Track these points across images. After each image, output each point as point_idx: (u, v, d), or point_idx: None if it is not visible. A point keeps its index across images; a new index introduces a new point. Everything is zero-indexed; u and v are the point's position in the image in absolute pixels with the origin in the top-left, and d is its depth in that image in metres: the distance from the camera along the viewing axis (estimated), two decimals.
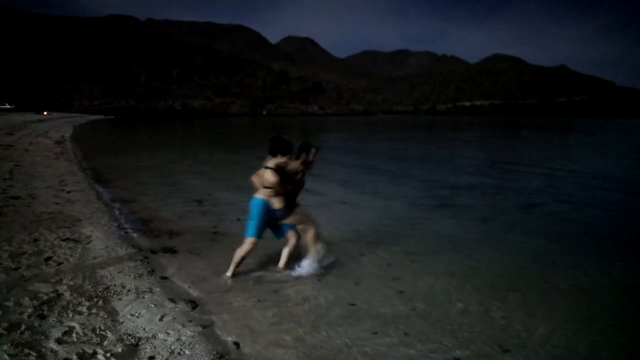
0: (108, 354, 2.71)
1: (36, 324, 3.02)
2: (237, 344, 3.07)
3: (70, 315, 3.19)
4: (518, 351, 3.12)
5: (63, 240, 5.00)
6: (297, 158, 4.37)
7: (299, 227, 4.60)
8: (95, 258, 4.50)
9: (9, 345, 2.71)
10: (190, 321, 3.28)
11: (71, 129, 33.79)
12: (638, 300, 4.20)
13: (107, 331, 2.99)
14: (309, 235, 4.54)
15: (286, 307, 3.74)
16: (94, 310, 3.29)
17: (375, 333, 3.37)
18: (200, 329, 3.18)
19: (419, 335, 3.33)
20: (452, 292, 4.13)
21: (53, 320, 3.08)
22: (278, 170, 4.17)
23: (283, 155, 4.31)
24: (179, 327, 3.15)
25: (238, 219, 6.85)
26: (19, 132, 23.63)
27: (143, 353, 2.76)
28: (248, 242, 4.38)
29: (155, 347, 2.83)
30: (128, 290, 3.72)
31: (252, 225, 4.36)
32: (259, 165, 4.32)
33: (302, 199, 4.56)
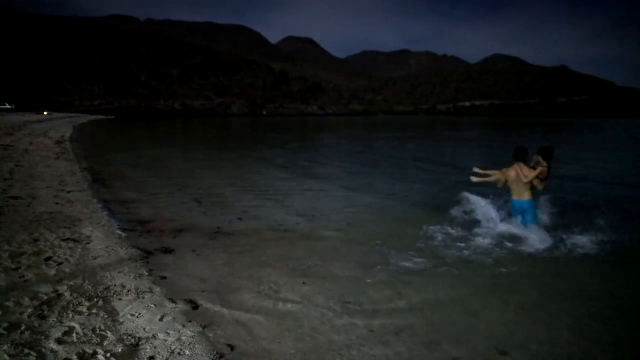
0: (108, 354, 2.71)
1: (36, 324, 3.02)
2: (237, 344, 3.08)
3: (70, 315, 3.19)
4: (516, 353, 3.13)
5: (63, 240, 5.01)
6: (525, 162, 6.06)
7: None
8: (95, 258, 4.50)
9: (9, 345, 2.71)
10: (190, 321, 3.29)
11: (71, 129, 33.79)
12: (638, 303, 4.20)
13: (107, 331, 2.99)
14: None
15: (285, 306, 3.75)
16: (94, 310, 3.29)
17: (372, 331, 3.38)
18: (200, 329, 3.18)
19: (417, 335, 3.33)
20: (451, 293, 4.14)
21: (53, 320, 3.08)
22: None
23: (524, 160, 6.04)
24: (179, 327, 3.16)
25: (240, 219, 6.85)
26: (19, 132, 23.62)
27: (143, 353, 2.77)
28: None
29: (155, 347, 2.84)
30: (128, 290, 3.72)
31: (535, 221, 6.02)
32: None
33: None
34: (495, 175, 6.29)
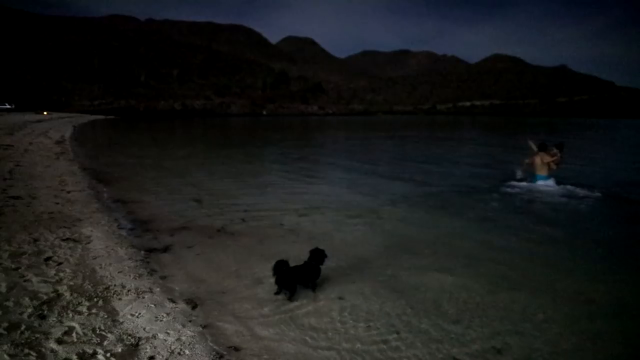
0: (108, 354, 2.72)
1: (36, 324, 3.02)
2: (237, 344, 3.08)
3: (70, 315, 3.19)
4: (512, 352, 3.13)
5: (63, 240, 5.01)
6: (546, 152, 9.94)
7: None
8: (95, 258, 4.50)
9: (9, 345, 2.71)
10: (190, 321, 3.29)
11: (71, 129, 33.77)
12: (635, 304, 4.20)
13: (107, 331, 2.99)
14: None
15: (286, 306, 3.75)
16: (94, 310, 3.30)
17: (369, 327, 3.38)
18: (200, 329, 3.19)
19: (416, 334, 3.33)
20: (451, 292, 4.13)
21: (53, 320, 3.09)
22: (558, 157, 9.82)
23: (545, 150, 9.93)
24: (179, 327, 3.16)
25: (242, 219, 6.83)
26: (19, 132, 23.61)
27: (143, 353, 2.77)
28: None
29: (155, 347, 2.84)
30: (128, 290, 3.72)
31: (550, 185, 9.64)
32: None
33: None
34: (529, 159, 10.29)
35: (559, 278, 4.57)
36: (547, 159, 9.81)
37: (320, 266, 4.14)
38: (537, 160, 9.96)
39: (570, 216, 7.64)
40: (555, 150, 9.99)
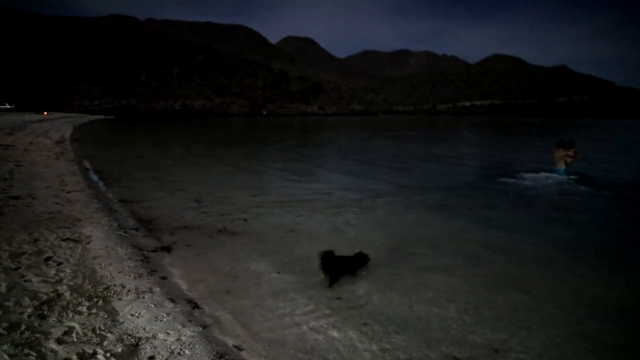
0: (108, 354, 2.71)
1: (36, 324, 3.02)
2: (237, 344, 3.08)
3: (70, 315, 3.19)
4: (511, 352, 3.13)
5: (63, 240, 5.00)
6: (563, 148, 11.35)
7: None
8: (95, 258, 4.50)
9: (9, 345, 2.71)
10: (190, 321, 3.29)
11: (71, 129, 33.74)
12: (638, 306, 4.19)
13: (107, 331, 2.99)
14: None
15: (286, 307, 3.75)
16: (94, 310, 3.29)
17: (368, 326, 3.38)
18: (200, 329, 3.18)
19: (415, 334, 3.33)
20: (451, 292, 4.13)
21: (53, 320, 3.08)
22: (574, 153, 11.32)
23: (562, 147, 11.34)
24: (179, 327, 3.16)
25: (245, 219, 6.83)
26: (19, 132, 23.60)
27: (143, 353, 2.77)
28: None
29: (155, 347, 2.84)
30: (128, 290, 3.72)
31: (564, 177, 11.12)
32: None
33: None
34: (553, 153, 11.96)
35: (560, 278, 4.57)
36: (561, 153, 11.31)
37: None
38: (555, 154, 11.72)
39: (572, 215, 7.64)
40: (566, 147, 11.43)
